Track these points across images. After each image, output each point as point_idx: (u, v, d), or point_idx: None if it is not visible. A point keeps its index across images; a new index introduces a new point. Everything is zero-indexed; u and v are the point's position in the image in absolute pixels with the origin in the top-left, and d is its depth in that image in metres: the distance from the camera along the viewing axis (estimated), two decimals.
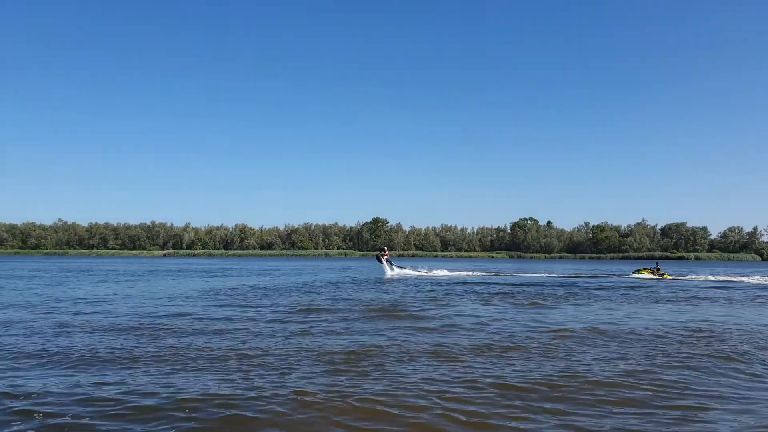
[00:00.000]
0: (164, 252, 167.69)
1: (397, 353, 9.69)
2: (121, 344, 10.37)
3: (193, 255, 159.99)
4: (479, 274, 43.83)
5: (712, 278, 39.86)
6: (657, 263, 44.19)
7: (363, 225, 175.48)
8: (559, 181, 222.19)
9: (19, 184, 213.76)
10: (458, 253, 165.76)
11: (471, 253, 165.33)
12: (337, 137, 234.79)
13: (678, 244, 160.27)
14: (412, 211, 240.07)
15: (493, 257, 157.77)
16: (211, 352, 9.62)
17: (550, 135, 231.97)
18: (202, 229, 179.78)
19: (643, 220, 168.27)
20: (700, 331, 12.80)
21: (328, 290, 24.52)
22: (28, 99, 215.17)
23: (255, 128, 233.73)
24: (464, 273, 44.21)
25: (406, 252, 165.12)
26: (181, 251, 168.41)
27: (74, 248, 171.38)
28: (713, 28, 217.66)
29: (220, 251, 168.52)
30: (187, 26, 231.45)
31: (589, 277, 40.58)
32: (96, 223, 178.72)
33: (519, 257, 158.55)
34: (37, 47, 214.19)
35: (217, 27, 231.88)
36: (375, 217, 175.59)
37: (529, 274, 43.76)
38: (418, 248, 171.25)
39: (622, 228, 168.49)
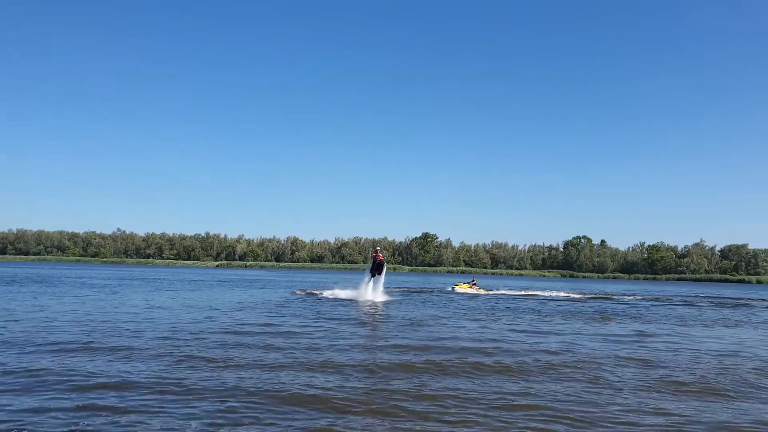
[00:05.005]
0: (217, 263, 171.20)
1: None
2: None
3: (246, 266, 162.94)
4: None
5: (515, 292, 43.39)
6: (473, 278, 48.54)
7: (412, 240, 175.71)
8: (614, 200, 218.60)
9: (81, 194, 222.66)
10: (508, 271, 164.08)
11: (522, 271, 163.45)
12: (387, 151, 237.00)
13: (738, 266, 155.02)
14: (462, 227, 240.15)
15: (544, 275, 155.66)
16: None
17: (603, 152, 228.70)
18: (255, 241, 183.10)
19: (701, 241, 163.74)
20: None
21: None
22: (84, 111, 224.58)
23: (305, 142, 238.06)
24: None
25: (455, 268, 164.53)
26: (234, 262, 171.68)
27: (131, 257, 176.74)
28: None
29: (271, 263, 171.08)
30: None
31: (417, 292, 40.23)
32: (153, 233, 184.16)
33: (571, 276, 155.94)
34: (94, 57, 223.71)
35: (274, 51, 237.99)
36: (424, 232, 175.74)
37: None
38: (467, 264, 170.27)
39: (679, 248, 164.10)
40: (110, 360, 10.51)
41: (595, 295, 43.34)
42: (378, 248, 31.26)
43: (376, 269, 29.14)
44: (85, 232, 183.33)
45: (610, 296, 43.03)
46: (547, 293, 43.77)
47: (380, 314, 21.56)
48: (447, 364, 10.97)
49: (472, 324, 18.55)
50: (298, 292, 34.71)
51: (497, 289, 46.83)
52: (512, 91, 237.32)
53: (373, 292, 29.15)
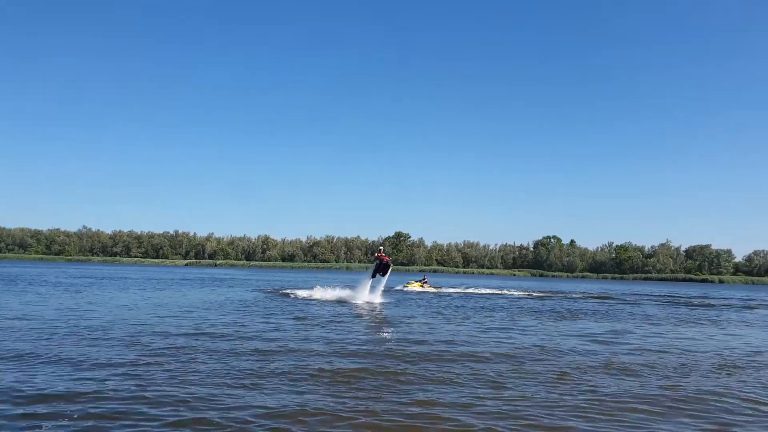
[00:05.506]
0: (186, 261, 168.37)
1: None
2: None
3: (215, 265, 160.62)
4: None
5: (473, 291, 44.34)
6: (424, 277, 49.98)
7: (385, 239, 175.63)
8: (584, 200, 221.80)
9: (45, 191, 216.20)
10: (480, 270, 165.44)
11: (493, 270, 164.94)
12: (360, 150, 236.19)
13: (702, 266, 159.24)
14: (435, 226, 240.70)
15: (515, 275, 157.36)
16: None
17: (573, 153, 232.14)
18: (225, 240, 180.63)
19: (667, 241, 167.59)
20: None
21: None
22: (52, 106, 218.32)
23: (277, 141, 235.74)
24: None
25: (427, 267, 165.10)
26: (203, 261, 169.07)
27: (97, 255, 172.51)
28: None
29: (241, 262, 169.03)
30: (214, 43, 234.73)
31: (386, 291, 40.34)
32: (120, 231, 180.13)
33: (541, 275, 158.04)
34: (65, 54, 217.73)
35: (244, 46, 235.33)
36: (397, 231, 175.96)
37: None
38: (439, 264, 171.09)
39: (646, 249, 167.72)
40: (68, 366, 9.86)
41: (563, 294, 43.91)
42: (381, 248, 29.68)
43: (380, 270, 27.77)
44: (48, 230, 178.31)
45: (568, 294, 43.92)
46: (504, 292, 44.58)
47: (357, 314, 21.23)
48: (417, 365, 10.73)
49: (449, 323, 18.41)
50: (265, 290, 34.16)
51: (448, 288, 47.48)
52: (484, 88, 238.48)
53: (372, 293, 27.79)
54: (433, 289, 43.15)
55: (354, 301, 26.96)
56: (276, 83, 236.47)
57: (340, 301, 27.24)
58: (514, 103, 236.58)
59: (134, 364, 10.09)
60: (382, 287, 28.50)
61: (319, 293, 29.83)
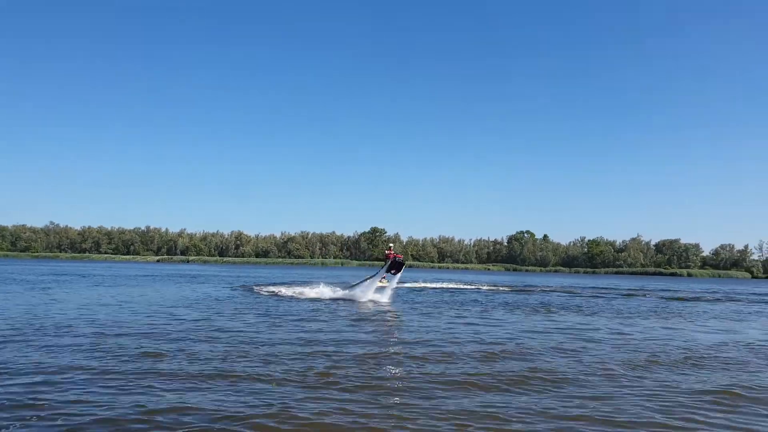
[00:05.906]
0: (158, 258, 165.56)
1: None
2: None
3: (188, 261, 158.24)
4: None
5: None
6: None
7: (361, 234, 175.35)
8: (557, 196, 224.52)
9: (10, 186, 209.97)
10: (455, 265, 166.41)
11: (467, 265, 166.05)
12: (336, 146, 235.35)
13: (671, 260, 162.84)
14: (411, 221, 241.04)
15: (489, 269, 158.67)
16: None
17: (547, 149, 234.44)
18: (197, 235, 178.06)
19: (638, 236, 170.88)
20: None
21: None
22: (20, 98, 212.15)
23: (253, 136, 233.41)
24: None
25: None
26: (175, 257, 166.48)
27: (65, 252, 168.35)
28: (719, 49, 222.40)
29: (214, 258, 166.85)
30: (185, 24, 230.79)
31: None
32: (89, 227, 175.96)
33: (515, 270, 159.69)
34: (35, 45, 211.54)
35: (214, 35, 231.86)
36: (373, 226, 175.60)
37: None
38: (415, 259, 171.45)
39: (618, 243, 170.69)
40: (32, 367, 9.49)
41: (536, 288, 44.39)
42: (391, 245, 28.18)
43: (393, 268, 26.41)
44: (13, 226, 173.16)
45: (541, 288, 44.58)
46: (476, 286, 45.08)
47: (332, 311, 20.98)
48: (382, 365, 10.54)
49: (423, 319, 18.29)
50: (238, 287, 33.63)
51: (417, 282, 47.84)
52: (458, 85, 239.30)
53: (380, 293, 26.52)
54: (386, 283, 43.11)
55: (359, 300, 26.09)
56: (276, 83, 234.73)
57: (337, 299, 26.55)
58: (508, 101, 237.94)
59: (100, 364, 9.76)
60: (393, 286, 27.30)
61: (320, 292, 28.81)
